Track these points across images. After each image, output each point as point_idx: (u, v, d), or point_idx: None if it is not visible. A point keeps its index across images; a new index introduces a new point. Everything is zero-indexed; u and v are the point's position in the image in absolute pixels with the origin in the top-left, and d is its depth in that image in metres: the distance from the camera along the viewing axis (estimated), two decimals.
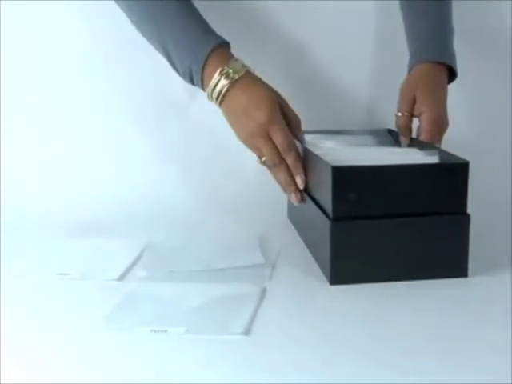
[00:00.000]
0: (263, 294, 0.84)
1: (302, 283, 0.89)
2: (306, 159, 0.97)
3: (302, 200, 0.98)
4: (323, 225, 0.88)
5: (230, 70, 0.94)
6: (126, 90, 1.24)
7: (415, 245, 0.87)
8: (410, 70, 1.10)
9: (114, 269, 0.92)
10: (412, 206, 0.86)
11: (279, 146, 0.94)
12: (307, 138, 1.02)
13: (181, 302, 0.81)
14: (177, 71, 0.99)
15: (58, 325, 0.77)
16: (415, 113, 1.06)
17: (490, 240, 1.00)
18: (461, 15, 1.16)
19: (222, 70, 0.94)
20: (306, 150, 0.98)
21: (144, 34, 1.01)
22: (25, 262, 0.97)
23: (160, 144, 1.26)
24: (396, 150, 1.05)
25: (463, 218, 0.87)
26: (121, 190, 1.21)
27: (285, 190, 0.99)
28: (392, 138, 1.12)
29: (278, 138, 0.94)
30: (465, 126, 1.26)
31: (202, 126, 1.24)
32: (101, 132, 1.25)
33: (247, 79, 0.95)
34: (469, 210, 0.88)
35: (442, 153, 0.94)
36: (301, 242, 1.04)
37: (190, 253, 0.99)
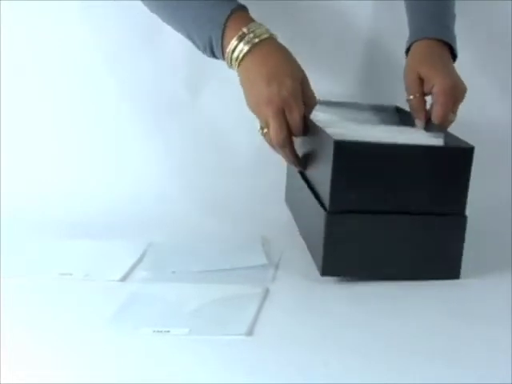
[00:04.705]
0: (266, 294, 0.84)
1: (304, 284, 0.89)
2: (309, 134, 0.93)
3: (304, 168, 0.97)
4: (318, 216, 0.86)
5: (255, 30, 0.90)
6: (127, 90, 1.24)
7: (409, 244, 0.86)
8: (408, 46, 1.05)
9: (116, 269, 0.92)
10: (410, 194, 0.84)
11: (292, 124, 0.90)
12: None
13: (183, 303, 0.81)
14: (198, 47, 0.95)
15: (60, 325, 0.77)
16: (426, 90, 1.01)
17: (486, 242, 1.00)
18: (463, 15, 1.16)
19: (243, 32, 0.89)
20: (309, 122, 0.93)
21: (163, 18, 0.97)
22: (26, 262, 0.96)
23: (161, 144, 1.26)
24: (401, 128, 1.00)
25: (460, 219, 0.86)
26: (122, 191, 1.21)
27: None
28: (399, 116, 1.08)
29: (295, 117, 0.89)
30: (465, 127, 1.26)
31: (202, 126, 1.24)
32: (101, 132, 1.25)
33: (274, 44, 0.91)
34: (466, 212, 0.87)
35: (448, 136, 0.91)
36: (303, 243, 1.03)
37: (193, 253, 0.99)
